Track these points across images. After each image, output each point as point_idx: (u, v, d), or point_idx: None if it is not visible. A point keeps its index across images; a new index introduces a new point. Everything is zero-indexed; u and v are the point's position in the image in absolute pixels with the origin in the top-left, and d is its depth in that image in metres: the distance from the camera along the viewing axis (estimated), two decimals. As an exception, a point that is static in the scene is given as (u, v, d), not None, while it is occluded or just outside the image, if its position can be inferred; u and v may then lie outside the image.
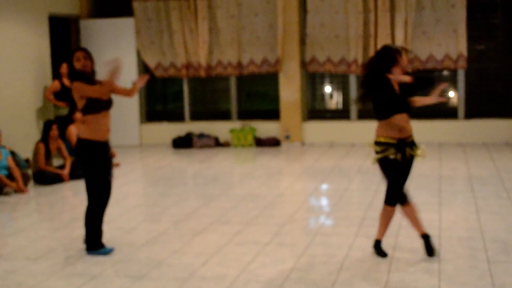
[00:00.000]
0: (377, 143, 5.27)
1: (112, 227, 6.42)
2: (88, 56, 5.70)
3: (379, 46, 10.85)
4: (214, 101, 12.64)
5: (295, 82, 11.45)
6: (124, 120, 12.04)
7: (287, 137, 11.58)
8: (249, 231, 6.25)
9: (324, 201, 7.70)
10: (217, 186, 8.46)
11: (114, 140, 11.36)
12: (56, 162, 9.71)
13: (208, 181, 8.80)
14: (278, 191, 8.17)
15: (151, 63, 11.98)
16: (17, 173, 8.41)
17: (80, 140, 5.61)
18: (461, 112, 11.17)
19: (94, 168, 5.57)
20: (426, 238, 5.31)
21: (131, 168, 10.18)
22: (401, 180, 5.24)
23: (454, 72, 11.09)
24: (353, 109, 11.58)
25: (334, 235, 6.00)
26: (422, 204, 6.58)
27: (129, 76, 11.70)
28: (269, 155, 10.81)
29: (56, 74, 10.89)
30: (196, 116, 12.33)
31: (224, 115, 12.19)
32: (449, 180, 8.27)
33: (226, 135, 11.87)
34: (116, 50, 11.75)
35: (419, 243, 5.50)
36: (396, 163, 5.19)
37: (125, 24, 12.01)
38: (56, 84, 10.46)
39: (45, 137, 9.05)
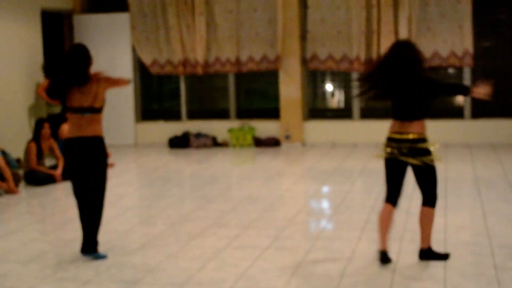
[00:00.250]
0: (426, 140, 5.08)
1: (106, 230, 6.26)
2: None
3: (382, 42, 10.71)
4: (211, 100, 12.47)
5: (295, 80, 11.27)
6: (118, 119, 11.87)
7: (287, 137, 11.41)
8: (248, 234, 6.10)
9: (325, 204, 7.55)
10: (215, 188, 8.28)
11: (109, 139, 11.08)
12: (49, 162, 9.54)
13: (205, 182, 8.63)
14: (278, 193, 8.00)
15: (147, 59, 11.79)
16: (7, 173, 8.23)
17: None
18: (467, 111, 11.00)
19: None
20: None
21: (126, 168, 10.04)
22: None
23: (459, 70, 10.92)
24: (356, 108, 11.41)
25: (336, 239, 5.86)
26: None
27: (124, 73, 11.52)
28: (268, 156, 10.65)
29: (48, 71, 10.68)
30: (193, 115, 12.16)
31: (222, 114, 12.02)
32: (455, 183, 8.11)
33: (224, 135, 11.70)
34: (110, 46, 11.60)
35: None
36: None
37: (120, 20, 11.83)
38: (49, 81, 10.24)
39: (36, 136, 8.89)
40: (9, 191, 8.19)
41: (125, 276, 5.04)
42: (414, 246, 5.45)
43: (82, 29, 11.81)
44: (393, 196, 5.11)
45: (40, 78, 10.71)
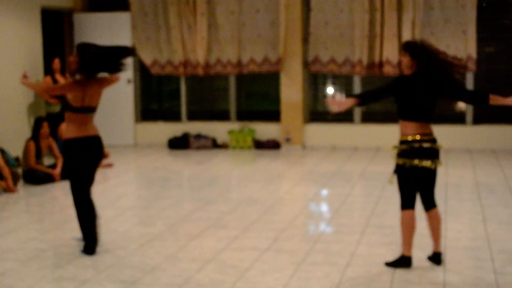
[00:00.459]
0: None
1: (105, 230, 6.21)
2: (77, 52, 5.58)
3: (385, 46, 10.66)
4: (212, 101, 12.42)
5: (297, 83, 11.22)
6: (118, 118, 11.82)
7: (288, 140, 11.36)
8: (247, 236, 6.06)
9: (325, 207, 7.50)
10: (214, 189, 8.24)
11: (108, 139, 11.06)
12: (47, 161, 9.49)
13: (205, 184, 8.58)
14: (277, 196, 7.96)
15: (147, 59, 11.74)
16: (6, 171, 8.18)
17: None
18: (469, 117, 10.96)
19: None
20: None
21: (125, 168, 9.98)
22: None
23: (462, 75, 10.87)
24: (357, 112, 11.36)
25: (335, 243, 5.82)
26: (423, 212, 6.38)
27: (124, 73, 11.46)
28: (268, 158, 10.60)
29: (48, 70, 10.64)
30: (193, 116, 12.11)
31: (223, 116, 11.97)
32: (456, 188, 8.07)
33: (224, 137, 11.65)
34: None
35: (424, 253, 5.36)
36: None
37: (121, 19, 11.76)
38: (48, 80, 10.21)
39: (35, 135, 8.84)
40: (8, 190, 8.14)
41: (124, 276, 5.00)
42: (414, 251, 5.40)
43: (82, 28, 11.75)
44: (414, 201, 5.09)
45: (40, 77, 10.66)
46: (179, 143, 11.63)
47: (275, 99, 11.64)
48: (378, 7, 10.69)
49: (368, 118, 11.36)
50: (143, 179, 9.59)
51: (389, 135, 10.93)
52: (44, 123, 8.88)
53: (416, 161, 4.97)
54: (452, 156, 10.27)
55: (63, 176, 8.86)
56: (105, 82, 5.68)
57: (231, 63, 11.40)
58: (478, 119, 10.95)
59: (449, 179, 8.52)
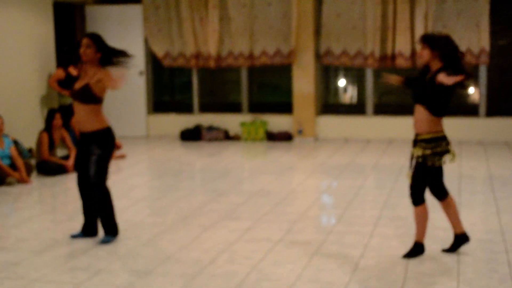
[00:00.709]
0: None
1: (118, 220, 6.19)
2: (92, 44, 5.54)
3: (397, 39, 10.62)
4: (224, 93, 12.42)
5: (309, 75, 11.19)
6: (130, 110, 11.85)
7: (300, 132, 11.34)
8: (260, 227, 6.06)
9: (337, 199, 7.47)
10: (227, 181, 8.24)
11: (120, 131, 11.13)
12: (60, 152, 9.53)
13: (217, 176, 8.59)
14: (290, 187, 7.95)
15: (159, 52, 11.75)
16: (20, 163, 8.24)
17: None
18: (482, 109, 10.90)
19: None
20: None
21: (137, 160, 10.00)
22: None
23: (475, 68, 10.81)
24: (369, 104, 11.33)
25: (348, 234, 5.81)
26: (437, 203, 6.34)
27: (136, 65, 11.49)
28: (281, 150, 10.59)
29: (60, 62, 10.68)
30: (205, 108, 12.11)
31: (235, 108, 11.96)
32: (469, 180, 8.04)
33: (236, 128, 11.65)
34: (123, 38, 11.55)
35: (438, 244, 5.36)
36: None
37: (133, 11, 11.77)
38: (60, 71, 10.24)
39: (48, 127, 8.88)
40: (21, 181, 8.19)
41: (138, 266, 5.02)
42: (427, 242, 5.39)
43: (94, 20, 11.77)
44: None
45: (52, 69, 10.70)
46: (191, 135, 11.64)
47: (287, 91, 11.62)
48: (391, 0, 10.64)
49: (381, 110, 11.32)
50: (155, 170, 9.61)
51: (401, 127, 10.92)
52: (57, 114, 8.92)
53: (444, 158, 5.02)
54: (465, 148, 10.22)
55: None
56: None
57: (243, 56, 11.38)
58: (491, 111, 10.89)
59: (462, 171, 8.49)
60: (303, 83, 11.23)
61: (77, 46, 5.62)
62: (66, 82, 10.24)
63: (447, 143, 5.01)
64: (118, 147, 10.15)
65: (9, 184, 8.06)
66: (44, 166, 8.72)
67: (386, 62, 10.81)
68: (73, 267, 5.02)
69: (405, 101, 11.06)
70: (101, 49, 5.56)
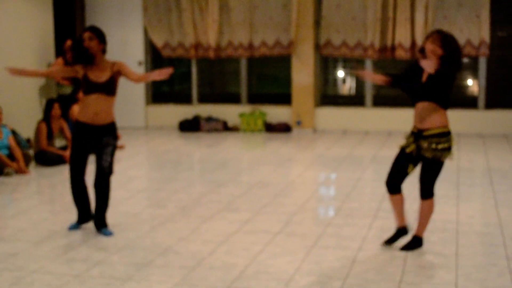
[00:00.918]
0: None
1: (116, 212, 6.25)
2: (94, 36, 5.55)
3: (397, 30, 10.59)
4: (223, 84, 12.40)
5: (308, 66, 11.17)
6: (129, 101, 11.83)
7: (299, 123, 11.33)
8: (259, 219, 6.06)
9: (336, 191, 7.48)
10: (226, 172, 8.24)
11: (119, 121, 11.02)
12: (59, 143, 9.51)
13: (216, 167, 8.58)
14: (288, 179, 7.95)
15: (159, 42, 11.71)
16: (18, 153, 8.22)
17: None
18: (481, 101, 10.89)
19: (72, 145, 5.68)
20: (401, 231, 5.25)
21: (136, 151, 9.99)
22: (393, 169, 5.18)
23: (475, 60, 10.78)
24: (368, 95, 11.31)
25: (346, 226, 5.81)
26: (439, 197, 6.38)
27: (135, 55, 11.46)
28: (279, 141, 10.58)
29: (60, 51, 10.64)
30: (204, 98, 12.09)
31: (234, 99, 11.95)
32: (468, 173, 8.04)
33: (235, 119, 11.63)
34: (122, 28, 11.52)
35: (436, 237, 5.37)
36: (402, 152, 5.11)
37: (132, 1, 11.76)
38: (60, 61, 10.21)
39: (47, 117, 8.85)
40: (20, 171, 8.17)
41: (136, 258, 5.01)
42: (426, 235, 5.40)
43: (94, 10, 11.73)
44: None
45: (51, 59, 10.66)
46: (190, 126, 11.63)
47: (286, 83, 11.59)
48: (391, -10, 10.62)
49: (380, 101, 11.30)
50: (154, 161, 9.60)
51: (400, 119, 10.90)
52: (55, 104, 8.89)
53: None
54: (464, 140, 10.22)
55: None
56: None
57: (242, 46, 11.35)
58: (490, 104, 10.88)
59: (461, 163, 8.49)
60: (303, 75, 11.20)
61: (79, 42, 5.60)
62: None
63: (453, 138, 5.04)
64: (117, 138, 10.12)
65: (7, 174, 8.05)
66: (43, 156, 8.70)
67: (386, 53, 10.79)
68: (71, 259, 5.01)
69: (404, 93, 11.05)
70: (103, 41, 5.60)
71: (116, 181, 7.55)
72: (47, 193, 7.65)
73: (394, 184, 5.16)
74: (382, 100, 11.29)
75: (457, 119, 10.69)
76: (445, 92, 4.93)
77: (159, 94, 12.38)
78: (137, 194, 7.26)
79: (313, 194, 7.24)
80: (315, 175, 8.28)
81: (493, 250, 5.12)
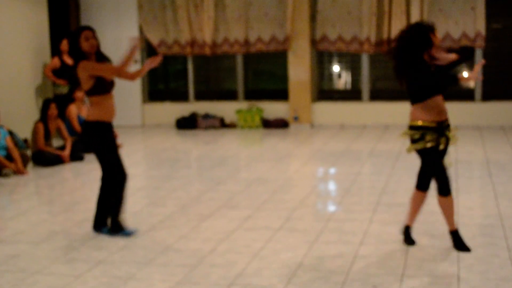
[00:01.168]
0: (414, 128, 4.90)
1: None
2: (94, 34, 5.55)
3: (393, 24, 10.57)
4: (219, 80, 12.38)
5: (304, 61, 11.16)
6: (125, 99, 11.79)
7: (296, 119, 11.32)
8: (259, 216, 6.05)
9: (335, 186, 7.47)
10: (224, 169, 8.22)
11: (115, 120, 10.96)
12: (56, 143, 9.48)
13: (214, 164, 8.57)
14: (287, 175, 7.94)
15: (154, 39, 11.68)
16: (15, 153, 8.19)
17: (88, 122, 5.52)
18: (478, 94, 10.90)
19: (105, 148, 5.52)
20: (454, 234, 5.07)
21: (133, 149, 9.96)
22: (440, 166, 4.95)
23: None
24: (365, 90, 11.30)
25: (347, 221, 5.80)
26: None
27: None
28: (277, 137, 10.57)
29: (55, 51, 10.60)
30: (201, 95, 12.07)
31: (230, 95, 11.93)
32: (466, 165, 8.04)
33: (232, 116, 11.62)
34: (117, 26, 11.47)
35: (437, 230, 5.35)
36: (435, 149, 4.88)
37: (127, -1, 11.70)
38: (56, 61, 10.18)
39: (44, 117, 8.83)
40: (18, 172, 8.15)
41: (137, 257, 5.00)
42: (427, 228, 5.42)
43: (89, 8, 11.69)
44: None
45: (47, 58, 10.62)
46: (187, 123, 11.61)
47: (283, 78, 11.58)
48: (387, -16, 10.61)
49: (376, 96, 11.30)
50: (152, 159, 9.58)
51: (397, 113, 10.90)
52: (52, 104, 8.87)
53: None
54: (461, 133, 10.11)
55: (72, 158, 8.89)
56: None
57: (238, 42, 11.33)
58: (487, 96, 10.88)
59: (459, 156, 8.49)
60: (299, 70, 11.19)
61: (75, 40, 5.55)
62: (61, 72, 10.27)
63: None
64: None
65: (5, 175, 8.03)
66: (40, 156, 8.68)
67: (382, 47, 10.78)
68: (73, 259, 5.00)
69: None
70: (97, 40, 5.58)
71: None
72: (45, 193, 7.62)
73: (448, 186, 4.99)
74: (378, 94, 11.29)
75: (454, 112, 10.63)
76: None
77: (155, 92, 12.35)
78: (136, 192, 7.23)
79: (313, 189, 7.23)
80: (313, 170, 8.27)
81: (494, 241, 5.12)
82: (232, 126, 11.59)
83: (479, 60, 10.73)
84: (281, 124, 11.38)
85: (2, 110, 9.05)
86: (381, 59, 10.98)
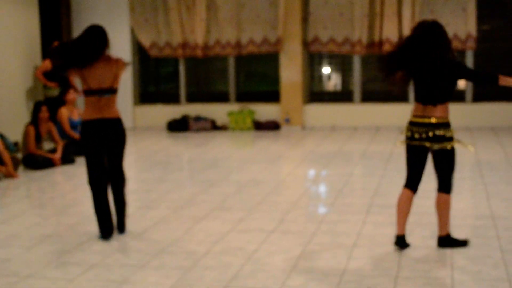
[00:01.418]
0: (449, 125, 4.99)
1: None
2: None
3: (385, 25, 10.60)
4: (211, 83, 12.37)
5: (296, 63, 11.17)
6: (117, 101, 11.73)
7: (287, 121, 11.33)
8: (253, 218, 6.04)
9: (328, 187, 7.47)
10: (216, 171, 8.21)
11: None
12: (47, 145, 9.44)
13: (206, 166, 8.55)
14: (280, 177, 7.94)
15: (146, 42, 11.66)
16: (6, 157, 8.14)
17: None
18: (468, 95, 10.95)
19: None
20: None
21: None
22: None
23: (462, 53, 10.82)
24: (356, 91, 11.32)
25: (340, 223, 5.80)
26: (430, 191, 6.35)
27: (122, 55, 11.36)
28: (268, 139, 10.57)
29: (46, 53, 10.55)
30: (192, 98, 12.06)
31: (222, 97, 11.92)
32: (458, 166, 7.95)
33: (224, 118, 11.61)
34: (109, 28, 11.29)
35: (430, 231, 5.37)
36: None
37: (119, 1, 11.68)
38: (47, 63, 10.12)
39: (34, 120, 8.78)
40: (8, 175, 8.10)
41: (132, 260, 4.97)
42: (419, 229, 5.43)
43: (80, 10, 11.65)
44: (413, 181, 5.02)
45: (38, 61, 10.57)
46: (178, 126, 11.58)
47: (275, 80, 11.59)
48: (378, -14, 10.64)
49: (368, 97, 11.32)
50: (144, 162, 9.54)
51: (388, 114, 10.94)
52: (43, 107, 8.82)
53: (408, 134, 4.97)
54: (452, 134, 10.25)
55: (64, 161, 8.85)
56: (114, 64, 5.57)
57: (230, 44, 11.33)
58: (478, 97, 10.93)
59: (451, 157, 8.51)
60: (291, 72, 11.19)
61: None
62: (52, 74, 10.21)
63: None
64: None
65: (-4, 178, 7.99)
66: (31, 159, 8.63)
67: (374, 48, 10.81)
68: (66, 262, 4.96)
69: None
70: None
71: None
72: (36, 197, 7.57)
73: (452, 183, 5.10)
74: (370, 95, 11.31)
75: (445, 113, 10.74)
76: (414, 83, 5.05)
77: (146, 94, 12.32)
78: (128, 195, 7.14)
79: (305, 191, 7.23)
80: (306, 172, 8.27)
81: (487, 242, 5.13)
82: (223, 128, 11.58)
83: (469, 63, 10.79)
84: (272, 126, 11.38)
85: (-7, 113, 9.01)
86: (373, 61, 11.00)
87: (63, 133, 9.41)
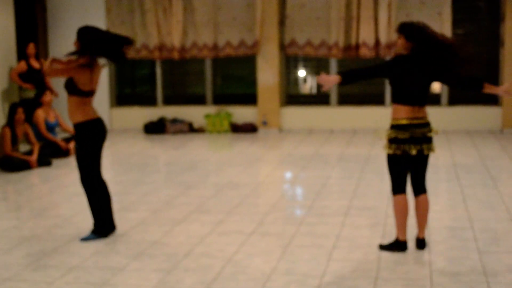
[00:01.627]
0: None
1: (86, 217, 6.15)
2: (77, 36, 5.55)
3: (361, 28, 10.67)
4: (188, 85, 12.34)
5: (273, 66, 11.19)
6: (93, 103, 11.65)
7: (265, 123, 11.35)
8: (232, 220, 6.05)
9: (306, 190, 7.50)
10: (194, 174, 8.20)
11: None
12: (23, 147, 9.34)
13: (184, 169, 8.53)
14: (258, 179, 7.97)
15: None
16: (-18, 158, 8.04)
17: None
18: (444, 98, 11.07)
19: None
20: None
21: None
22: None
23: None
24: (333, 94, 11.38)
25: (319, 225, 5.83)
26: (407, 194, 6.42)
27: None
28: (246, 142, 10.58)
29: (22, 55, 10.44)
30: (169, 100, 12.02)
31: (199, 100, 11.90)
32: (434, 168, 8.12)
33: (201, 121, 11.59)
34: (85, 30, 11.31)
35: (408, 233, 5.32)
36: None
37: (95, 2, 11.60)
38: (22, 65, 10.01)
39: (11, 121, 8.69)
40: (-16, 177, 8.02)
41: (111, 262, 4.95)
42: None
43: (55, 12, 11.55)
44: (403, 185, 5.04)
45: (13, 62, 10.45)
46: (155, 128, 11.54)
47: (252, 83, 11.60)
48: (355, -11, 10.71)
49: (345, 100, 11.38)
50: (121, 164, 9.48)
51: (365, 117, 11.01)
52: (19, 109, 8.74)
53: (406, 147, 4.94)
54: (428, 137, 10.35)
55: (40, 163, 8.77)
56: (99, 67, 5.66)
57: (207, 47, 11.32)
58: (453, 100, 11.05)
59: (427, 160, 8.59)
60: (268, 74, 11.22)
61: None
62: (28, 76, 10.10)
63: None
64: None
65: (-29, 181, 7.88)
66: (7, 162, 8.54)
67: (350, 52, 10.88)
68: (45, 265, 4.92)
69: (369, 91, 11.16)
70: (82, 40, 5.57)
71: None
72: (13, 199, 7.47)
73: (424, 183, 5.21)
74: (347, 98, 11.38)
75: (421, 116, 10.84)
76: (390, 83, 5.09)
77: (123, 96, 12.25)
78: (106, 198, 7.15)
79: (284, 193, 7.26)
80: (284, 175, 8.30)
81: (464, 244, 5.19)
82: (200, 130, 11.56)
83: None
84: (249, 128, 11.39)
85: (-33, 114, 8.89)
86: (349, 64, 11.07)
87: (39, 135, 9.32)
